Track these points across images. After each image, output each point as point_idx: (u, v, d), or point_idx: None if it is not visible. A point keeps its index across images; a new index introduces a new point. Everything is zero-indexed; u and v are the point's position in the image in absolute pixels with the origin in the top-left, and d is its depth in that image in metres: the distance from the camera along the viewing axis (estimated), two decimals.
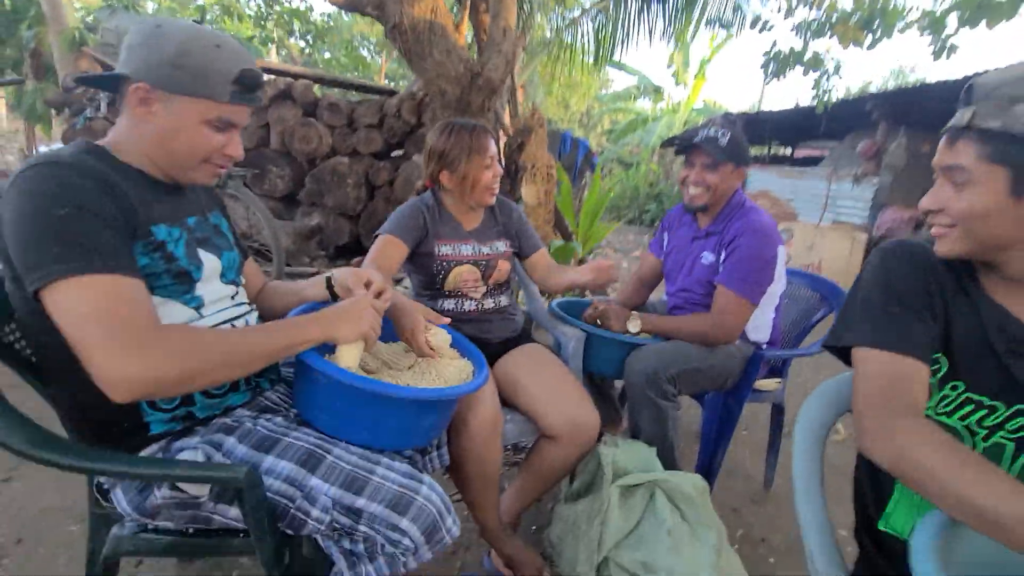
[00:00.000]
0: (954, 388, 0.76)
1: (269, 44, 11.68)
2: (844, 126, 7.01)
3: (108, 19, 4.40)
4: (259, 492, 0.80)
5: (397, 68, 13.27)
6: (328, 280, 1.11)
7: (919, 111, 5.61)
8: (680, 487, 1.29)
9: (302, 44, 12.54)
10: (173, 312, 0.87)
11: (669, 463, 1.48)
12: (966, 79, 4.72)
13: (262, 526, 0.81)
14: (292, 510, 0.84)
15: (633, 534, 1.26)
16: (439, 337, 1.16)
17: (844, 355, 0.81)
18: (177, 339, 0.76)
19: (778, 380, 1.86)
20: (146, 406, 0.85)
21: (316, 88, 4.67)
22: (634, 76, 13.28)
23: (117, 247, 0.76)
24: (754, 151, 10.11)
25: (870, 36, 3.95)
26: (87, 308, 0.71)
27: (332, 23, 11.31)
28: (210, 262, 0.94)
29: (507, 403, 1.40)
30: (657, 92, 13.54)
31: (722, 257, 1.64)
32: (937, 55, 3.75)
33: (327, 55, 12.91)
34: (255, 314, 1.05)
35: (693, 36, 5.35)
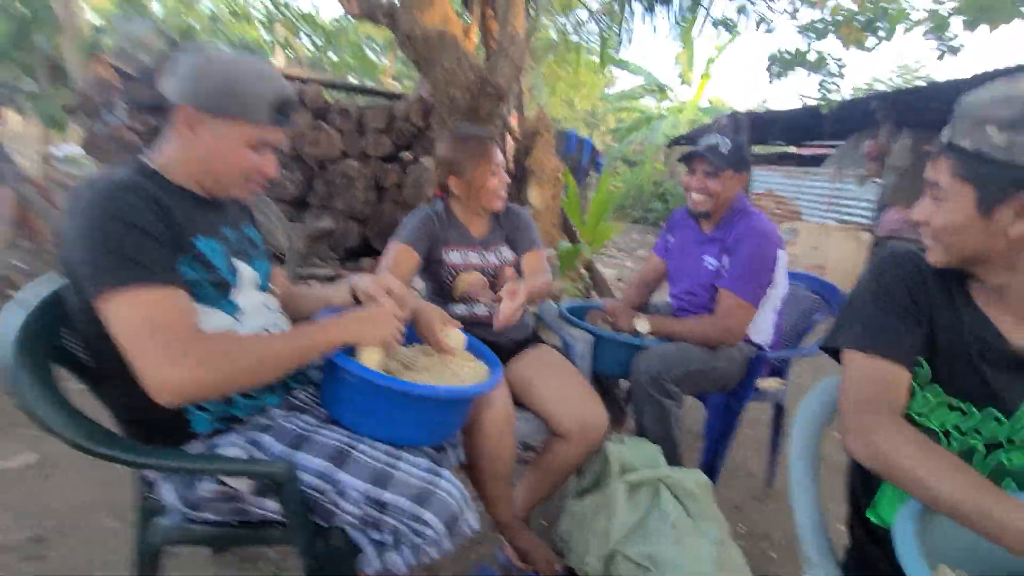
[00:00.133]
0: (934, 392, 0.81)
1: (275, 47, 11.80)
2: (848, 126, 7.01)
3: (123, 25, 4.50)
4: (296, 486, 0.87)
5: (403, 68, 13.35)
6: (351, 287, 1.18)
7: (923, 112, 5.62)
8: (683, 483, 1.35)
9: (310, 47, 12.66)
10: (214, 319, 0.94)
11: (673, 460, 1.54)
12: (974, 79, 4.75)
13: (299, 518, 0.88)
14: (324, 503, 0.92)
15: (639, 528, 1.32)
16: (454, 337, 1.23)
17: (838, 356, 0.87)
18: (216, 346, 0.83)
19: (780, 380, 1.92)
20: (191, 406, 0.93)
21: (325, 92, 4.74)
22: (639, 75, 13.31)
23: (164, 261, 0.84)
24: (759, 150, 10.12)
25: (873, 38, 3.98)
26: (137, 319, 0.79)
27: (339, 25, 11.41)
28: (245, 271, 1.02)
29: (519, 403, 1.46)
30: (662, 91, 13.56)
31: (725, 261, 1.71)
32: (941, 56, 3.78)
33: (334, 57, 13.03)
34: (287, 320, 1.12)
35: (698, 35, 5.40)
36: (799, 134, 8.92)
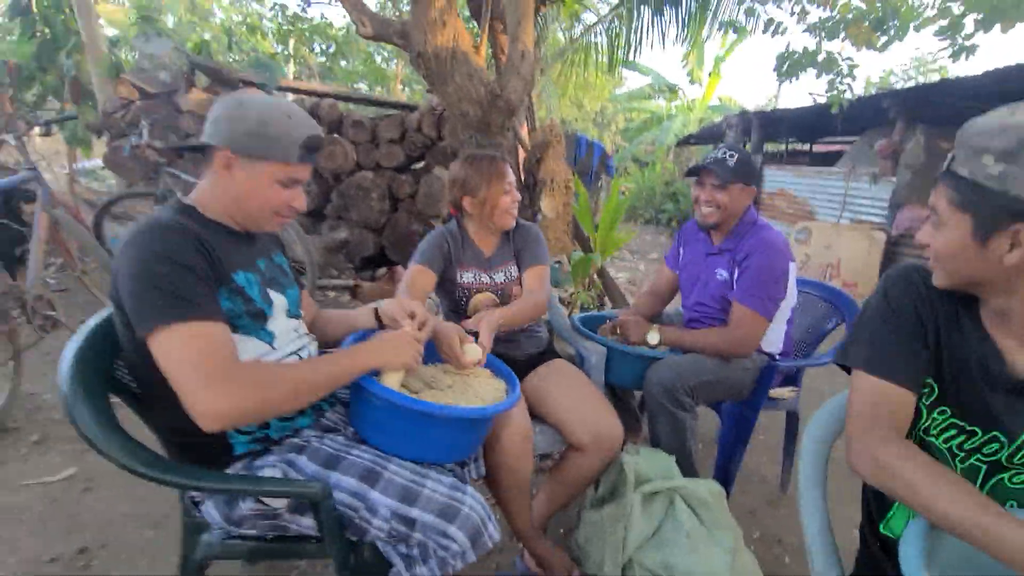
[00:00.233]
0: (941, 413, 0.84)
1: (289, 59, 12.00)
2: (860, 125, 6.96)
3: (143, 46, 4.64)
4: (331, 504, 0.94)
5: (411, 74, 13.50)
6: (376, 311, 1.24)
7: (937, 108, 5.56)
8: (697, 493, 1.39)
9: (321, 57, 12.84)
10: (251, 347, 1.00)
11: (687, 470, 1.58)
12: (985, 75, 4.70)
13: (334, 534, 0.94)
14: (356, 519, 0.98)
15: (655, 537, 1.37)
16: (471, 351, 1.28)
17: (849, 369, 0.89)
18: (255, 376, 0.90)
19: (792, 389, 1.94)
20: (232, 430, 0.99)
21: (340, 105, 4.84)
22: (648, 75, 13.29)
23: (206, 296, 0.91)
24: (771, 148, 10.06)
25: (883, 37, 3.96)
26: (182, 352, 0.86)
27: (349, 33, 11.57)
28: (278, 300, 1.08)
29: (536, 416, 1.51)
30: (672, 91, 13.52)
31: (735, 274, 1.74)
32: (955, 56, 3.74)
33: (344, 64, 13.20)
34: (315, 343, 1.18)
35: (707, 38, 5.40)
36: (810, 131, 8.86)
